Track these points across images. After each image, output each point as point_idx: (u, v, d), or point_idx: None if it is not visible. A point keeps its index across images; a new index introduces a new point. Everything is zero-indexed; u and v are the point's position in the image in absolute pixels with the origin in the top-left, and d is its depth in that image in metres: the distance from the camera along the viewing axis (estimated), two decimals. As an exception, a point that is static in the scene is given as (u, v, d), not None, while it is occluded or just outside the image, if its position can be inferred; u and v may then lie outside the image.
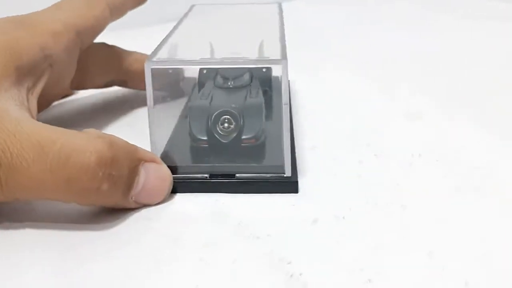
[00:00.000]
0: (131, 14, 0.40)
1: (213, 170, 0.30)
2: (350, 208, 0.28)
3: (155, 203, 0.28)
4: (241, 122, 0.31)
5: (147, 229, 0.27)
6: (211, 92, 0.34)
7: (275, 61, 0.29)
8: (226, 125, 0.31)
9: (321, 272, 0.23)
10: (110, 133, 0.28)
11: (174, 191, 0.29)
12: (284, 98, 0.28)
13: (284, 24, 0.38)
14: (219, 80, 0.34)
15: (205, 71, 0.36)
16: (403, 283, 0.23)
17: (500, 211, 0.28)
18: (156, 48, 0.32)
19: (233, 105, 0.31)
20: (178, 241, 0.26)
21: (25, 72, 0.30)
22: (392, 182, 0.30)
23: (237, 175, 0.30)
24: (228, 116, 0.31)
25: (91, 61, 0.37)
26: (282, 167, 0.30)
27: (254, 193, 0.29)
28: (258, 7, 0.41)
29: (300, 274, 0.23)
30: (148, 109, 0.29)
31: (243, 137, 0.31)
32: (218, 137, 0.31)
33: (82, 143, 0.26)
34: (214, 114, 0.31)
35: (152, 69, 0.29)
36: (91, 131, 0.27)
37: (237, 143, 0.31)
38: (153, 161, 0.29)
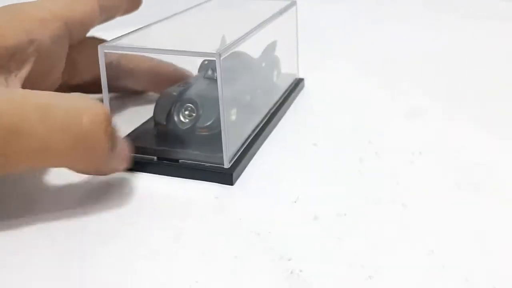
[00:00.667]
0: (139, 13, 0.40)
1: (161, 154, 0.32)
2: (351, 205, 0.28)
3: (124, 169, 0.30)
4: (201, 112, 0.33)
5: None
6: (195, 82, 0.35)
7: (209, 54, 0.30)
8: (187, 113, 0.33)
9: (322, 269, 0.23)
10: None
11: (129, 169, 0.31)
12: (220, 93, 0.29)
13: (278, 21, 0.39)
14: (209, 71, 0.35)
15: (206, 62, 0.36)
16: (404, 280, 0.23)
17: (500, 209, 0.28)
18: (126, 34, 0.33)
19: (194, 95, 0.33)
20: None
21: (9, 55, 0.30)
22: (393, 180, 0.30)
23: (180, 160, 0.31)
24: (191, 105, 0.33)
25: (80, 55, 0.37)
26: (221, 158, 0.30)
27: (194, 179, 0.31)
28: (271, 4, 0.42)
29: (300, 271, 0.23)
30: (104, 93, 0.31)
31: (197, 126, 0.33)
32: (177, 123, 0.33)
33: (88, 105, 0.26)
34: (178, 102, 0.33)
35: (105, 53, 0.30)
36: (77, 95, 0.29)
37: (193, 131, 0.33)
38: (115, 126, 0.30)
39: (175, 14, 0.38)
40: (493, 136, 0.36)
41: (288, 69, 0.43)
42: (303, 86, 0.44)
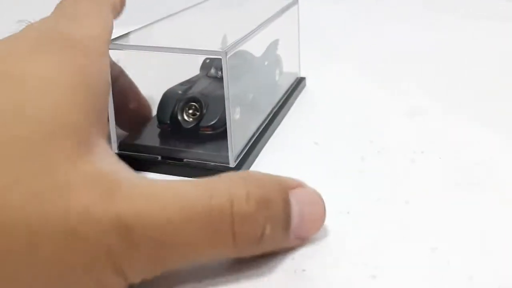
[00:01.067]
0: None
1: (165, 153, 0.32)
2: (354, 204, 0.28)
3: (315, 232, 0.25)
4: (204, 111, 0.32)
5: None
6: (198, 80, 0.35)
7: (215, 53, 0.29)
8: (191, 111, 0.33)
9: (325, 268, 0.23)
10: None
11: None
12: (226, 92, 0.29)
13: (280, 19, 0.39)
14: (212, 70, 0.35)
15: (207, 61, 0.36)
16: (407, 278, 0.23)
17: (502, 206, 0.28)
18: (128, 32, 0.33)
19: (198, 94, 0.33)
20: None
21: (97, 111, 0.24)
22: (394, 179, 0.30)
23: (184, 160, 0.31)
24: (195, 104, 0.33)
25: None
26: (226, 157, 0.30)
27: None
28: (272, 2, 0.41)
29: (304, 270, 0.23)
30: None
31: (201, 125, 0.32)
32: (181, 122, 0.33)
33: (232, 191, 0.22)
34: (182, 101, 0.33)
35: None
36: (226, 174, 0.23)
37: (196, 130, 0.32)
38: (298, 186, 0.25)
39: (175, 13, 0.38)
40: (493, 135, 0.36)
41: (289, 68, 0.43)
42: (304, 85, 0.44)
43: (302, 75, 0.45)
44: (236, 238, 0.22)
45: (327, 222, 0.26)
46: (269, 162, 0.33)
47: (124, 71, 0.34)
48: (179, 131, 0.33)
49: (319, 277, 0.23)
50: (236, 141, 0.31)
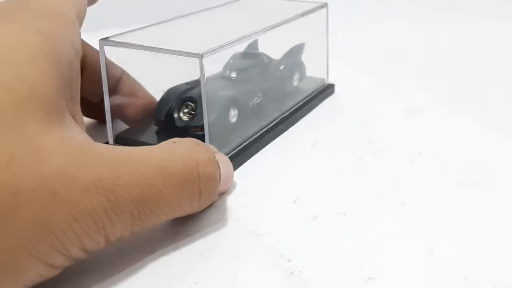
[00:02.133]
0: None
1: None
2: (351, 205, 0.28)
3: (228, 189, 0.29)
4: (198, 110, 0.32)
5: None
6: (209, 81, 0.34)
7: (192, 55, 0.29)
8: (187, 111, 0.33)
9: (321, 269, 0.23)
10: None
11: None
12: (203, 92, 0.29)
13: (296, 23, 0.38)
14: (228, 71, 0.35)
15: (231, 61, 0.36)
16: (403, 280, 0.23)
17: (500, 207, 0.28)
18: (131, 30, 0.33)
19: (195, 93, 0.33)
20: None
21: (66, 80, 0.24)
22: (392, 179, 0.30)
23: None
24: (191, 103, 0.33)
25: None
26: None
27: None
28: (301, 5, 0.41)
29: (300, 272, 0.23)
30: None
31: (191, 124, 0.33)
32: (175, 121, 0.33)
33: (197, 154, 0.25)
34: (179, 99, 0.33)
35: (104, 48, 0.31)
36: (178, 140, 0.26)
37: (187, 129, 0.32)
38: (215, 151, 0.28)
39: (199, 11, 0.38)
40: (492, 135, 0.36)
41: (316, 74, 0.42)
42: (332, 92, 0.43)
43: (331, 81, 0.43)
44: (201, 195, 0.25)
45: (324, 223, 0.26)
46: (265, 162, 0.33)
47: (125, 70, 0.34)
48: (172, 129, 0.33)
49: (316, 279, 0.23)
50: (220, 143, 0.31)
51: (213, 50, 0.30)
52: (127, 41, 0.31)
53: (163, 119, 0.33)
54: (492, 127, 0.36)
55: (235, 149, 0.32)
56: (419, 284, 0.22)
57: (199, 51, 0.29)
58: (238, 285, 0.23)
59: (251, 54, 0.36)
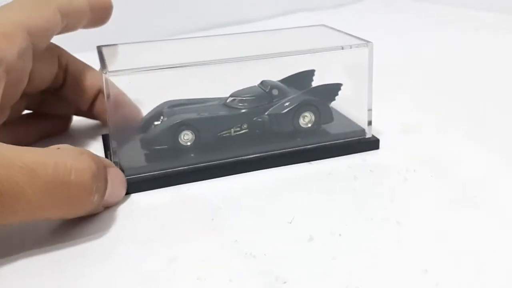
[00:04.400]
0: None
1: None
2: (346, 225, 0.28)
3: (116, 203, 0.31)
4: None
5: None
6: (209, 108, 0.35)
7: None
8: (183, 136, 0.34)
9: (317, 291, 0.23)
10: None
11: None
12: (107, 106, 0.31)
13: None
14: (231, 97, 0.36)
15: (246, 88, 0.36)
16: (399, 301, 0.23)
17: (495, 226, 0.28)
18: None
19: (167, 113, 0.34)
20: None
21: None
22: (387, 198, 0.31)
23: None
24: (186, 130, 0.34)
25: (36, 63, 0.34)
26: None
27: None
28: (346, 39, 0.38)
29: (296, 293, 0.23)
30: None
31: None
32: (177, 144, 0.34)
33: (74, 163, 0.27)
34: (172, 124, 0.34)
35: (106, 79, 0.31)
36: (66, 147, 0.28)
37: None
38: (111, 166, 0.31)
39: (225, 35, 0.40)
40: (487, 152, 0.36)
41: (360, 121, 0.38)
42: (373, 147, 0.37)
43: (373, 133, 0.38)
44: (72, 203, 0.27)
45: (319, 244, 0.27)
46: (261, 184, 0.33)
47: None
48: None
49: (312, 301, 0.23)
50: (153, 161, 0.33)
51: (118, 71, 0.31)
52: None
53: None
54: (486, 145, 0.37)
55: (179, 168, 0.33)
56: (414, 305, 0.23)
57: (106, 70, 0.31)
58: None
59: (268, 84, 0.36)
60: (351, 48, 0.36)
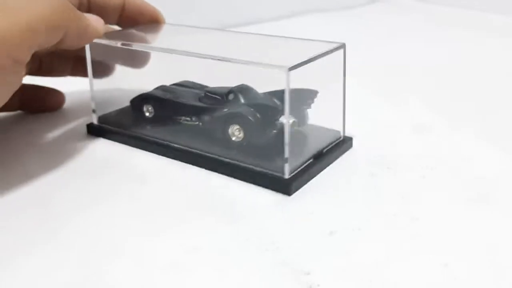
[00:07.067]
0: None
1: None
2: (365, 220, 0.29)
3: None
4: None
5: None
6: (184, 93, 0.39)
7: None
8: (146, 108, 0.40)
9: (340, 283, 0.24)
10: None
11: None
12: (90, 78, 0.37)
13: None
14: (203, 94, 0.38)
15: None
16: (420, 293, 0.23)
17: (510, 222, 0.28)
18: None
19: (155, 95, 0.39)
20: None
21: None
22: (405, 194, 0.31)
23: None
24: (148, 104, 0.40)
25: None
26: None
27: None
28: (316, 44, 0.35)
29: (318, 285, 0.24)
30: None
31: None
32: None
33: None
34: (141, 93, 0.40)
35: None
36: None
37: None
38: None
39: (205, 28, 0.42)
40: (499, 150, 0.36)
41: (328, 125, 0.37)
42: (347, 148, 0.36)
43: (348, 133, 0.37)
44: None
45: (341, 238, 0.27)
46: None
47: None
48: None
49: (334, 292, 0.24)
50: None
51: None
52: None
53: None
54: (499, 145, 0.37)
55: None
56: (435, 297, 0.23)
57: None
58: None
59: (239, 88, 0.36)
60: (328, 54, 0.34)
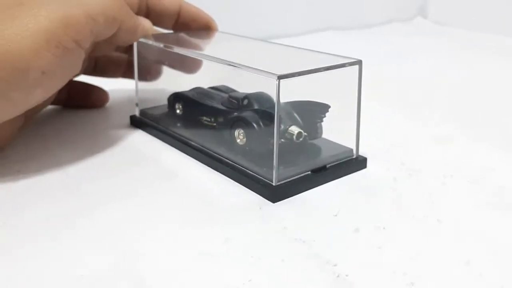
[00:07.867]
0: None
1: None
2: (388, 220, 0.30)
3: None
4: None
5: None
6: (213, 96, 0.40)
7: None
8: (177, 105, 0.43)
9: (367, 274, 0.25)
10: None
11: None
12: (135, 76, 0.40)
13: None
14: (226, 96, 0.38)
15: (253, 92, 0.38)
16: (444, 287, 0.24)
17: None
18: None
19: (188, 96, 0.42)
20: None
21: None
22: (427, 199, 0.32)
23: None
24: (178, 103, 0.43)
25: None
26: None
27: None
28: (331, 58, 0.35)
29: (346, 275, 0.25)
30: None
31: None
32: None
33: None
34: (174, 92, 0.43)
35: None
36: None
37: None
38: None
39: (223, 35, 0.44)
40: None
41: (343, 141, 0.37)
42: (360, 167, 0.36)
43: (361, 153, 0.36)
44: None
45: (365, 234, 0.28)
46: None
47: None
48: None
49: (362, 282, 0.24)
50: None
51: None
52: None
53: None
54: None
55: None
56: (458, 291, 0.24)
57: None
58: (289, 285, 0.24)
59: (263, 97, 0.36)
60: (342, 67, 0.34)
